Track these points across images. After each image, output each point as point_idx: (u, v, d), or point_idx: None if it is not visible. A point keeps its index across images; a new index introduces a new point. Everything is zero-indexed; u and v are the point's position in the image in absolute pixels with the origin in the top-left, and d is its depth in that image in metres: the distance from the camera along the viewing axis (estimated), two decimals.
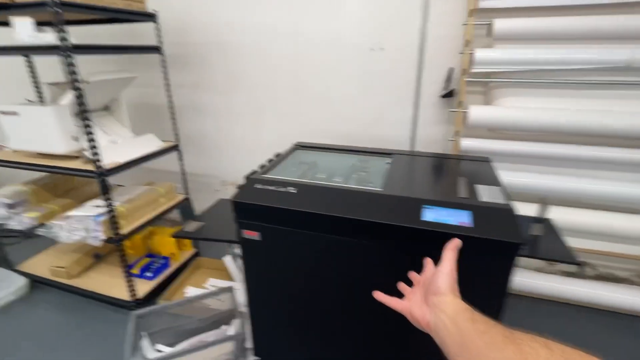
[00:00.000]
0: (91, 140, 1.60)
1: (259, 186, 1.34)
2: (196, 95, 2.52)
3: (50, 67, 2.65)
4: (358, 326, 1.36)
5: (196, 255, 2.49)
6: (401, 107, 2.14)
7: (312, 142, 1.95)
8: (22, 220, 1.94)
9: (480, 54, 1.73)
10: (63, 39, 1.41)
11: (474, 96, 1.99)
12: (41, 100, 2.45)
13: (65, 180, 2.27)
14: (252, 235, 1.34)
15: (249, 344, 1.65)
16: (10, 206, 1.95)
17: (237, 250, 2.18)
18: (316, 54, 2.17)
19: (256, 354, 1.67)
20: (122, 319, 2.02)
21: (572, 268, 2.19)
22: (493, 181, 1.35)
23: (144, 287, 2.07)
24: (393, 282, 1.18)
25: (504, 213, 1.10)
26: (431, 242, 1.08)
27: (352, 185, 1.33)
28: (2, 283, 2.23)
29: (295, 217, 1.23)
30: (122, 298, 2.00)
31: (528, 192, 1.86)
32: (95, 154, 1.62)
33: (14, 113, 1.75)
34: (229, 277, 2.28)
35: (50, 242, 2.69)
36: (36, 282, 2.27)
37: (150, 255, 2.33)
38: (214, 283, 2.26)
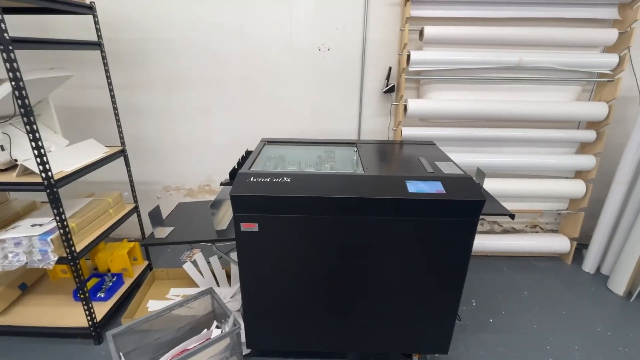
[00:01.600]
0: (39, 147, 1.39)
1: (252, 179, 1.39)
2: (132, 95, 2.33)
3: None
4: (352, 309, 1.52)
5: (149, 267, 2.31)
6: (348, 103, 2.36)
7: (250, 140, 2.01)
8: None
9: (415, 55, 2.05)
10: (1, 30, 1.22)
11: (409, 91, 2.33)
12: None
13: None
14: (251, 227, 1.38)
15: (243, 338, 1.66)
16: None
17: (196, 256, 2.13)
18: (266, 53, 2.24)
19: (249, 347, 1.70)
20: (77, 349, 1.79)
21: (485, 228, 2.74)
22: (446, 158, 1.66)
23: (99, 310, 1.86)
24: (386, 250, 1.39)
25: (466, 181, 1.39)
26: (417, 209, 1.31)
27: (340, 171, 1.48)
28: None
29: (296, 204, 1.33)
30: (77, 326, 1.77)
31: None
32: (44, 162, 1.42)
33: None
34: (191, 285, 2.20)
35: None
36: None
37: (97, 275, 2.08)
38: (176, 292, 2.16)
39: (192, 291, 2.15)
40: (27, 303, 1.95)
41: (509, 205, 2.48)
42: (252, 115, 2.40)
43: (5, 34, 1.23)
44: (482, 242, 2.51)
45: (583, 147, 2.36)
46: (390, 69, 2.23)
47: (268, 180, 1.39)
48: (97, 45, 1.78)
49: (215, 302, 1.79)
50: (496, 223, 2.73)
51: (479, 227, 2.74)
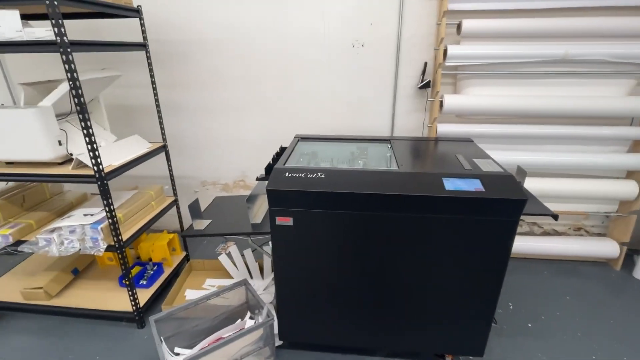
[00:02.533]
0: (92, 142, 1.50)
1: (287, 174, 1.42)
2: (174, 93, 2.44)
3: None
4: (385, 307, 1.51)
5: (187, 258, 2.42)
6: (381, 99, 2.34)
7: (283, 136, 2.04)
8: None
9: (453, 49, 2.00)
10: (61, 35, 1.32)
11: (445, 87, 2.27)
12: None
13: (36, 192, 2.04)
14: (285, 221, 1.41)
15: (275, 329, 1.70)
16: None
17: (231, 248, 2.20)
18: (300, 50, 2.27)
19: (281, 339, 1.74)
20: (122, 332, 1.91)
21: (524, 229, 2.62)
22: (484, 156, 1.60)
23: (142, 296, 1.98)
24: (420, 248, 1.37)
25: (506, 179, 1.34)
26: (455, 207, 1.29)
27: (375, 167, 1.47)
28: None
29: (330, 199, 1.34)
30: (122, 310, 1.89)
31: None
32: (97, 156, 1.53)
33: None
34: (225, 276, 2.28)
35: (3, 265, 2.39)
36: (2, 310, 2.01)
37: (139, 264, 2.21)
38: (212, 282, 2.24)
39: (226, 282, 2.23)
40: (78, 287, 2.11)
41: (551, 206, 2.36)
42: (285, 112, 2.44)
43: (65, 38, 1.33)
44: (521, 244, 2.40)
45: (636, 145, 2.19)
46: (425, 64, 2.19)
47: (302, 175, 1.41)
48: (143, 46, 1.88)
49: (250, 293, 1.85)
50: (536, 224, 2.60)
51: (517, 228, 2.62)
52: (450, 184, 1.32)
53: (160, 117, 2.06)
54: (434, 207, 1.30)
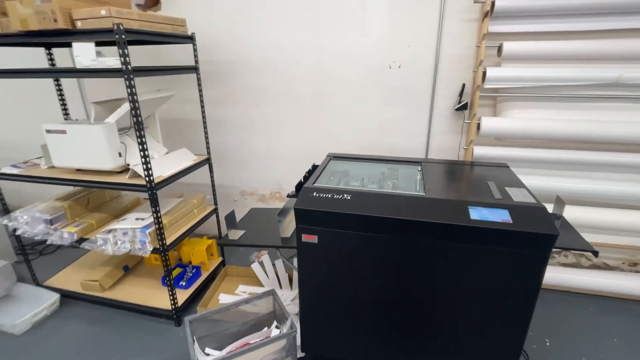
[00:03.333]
0: (145, 156, 1.69)
1: (315, 194, 1.49)
2: (220, 109, 2.64)
3: (69, 85, 2.71)
4: (406, 331, 1.52)
5: (223, 263, 2.57)
6: (416, 119, 2.35)
7: (343, 152, 2.11)
8: (62, 236, 1.98)
9: (492, 71, 1.96)
10: (126, 63, 1.52)
11: (483, 109, 2.23)
12: (83, 118, 2.50)
13: (98, 196, 2.31)
14: (311, 239, 1.48)
15: (298, 341, 1.77)
16: (50, 222, 1.99)
17: (263, 257, 2.31)
18: (338, 70, 2.36)
19: (304, 351, 1.80)
20: (160, 327, 2.08)
21: (570, 260, 2.45)
22: (518, 184, 1.56)
23: (180, 296, 2.15)
24: (444, 276, 1.37)
25: (537, 211, 1.30)
26: (479, 237, 1.27)
27: (398, 191, 1.50)
28: (34, 300, 2.23)
29: (353, 221, 1.39)
30: (162, 307, 2.07)
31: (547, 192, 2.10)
32: (148, 168, 1.72)
33: (62, 131, 1.82)
34: (257, 283, 2.39)
35: (68, 257, 2.70)
36: (66, 297, 2.28)
37: (180, 266, 2.40)
38: (245, 289, 2.36)
39: (257, 290, 2.34)
40: (127, 282, 2.34)
41: (601, 238, 2.19)
42: (321, 129, 2.53)
43: (129, 66, 1.53)
44: (566, 276, 2.25)
45: None
46: (463, 85, 2.16)
47: (329, 196, 1.47)
48: (195, 69, 2.08)
49: (277, 303, 1.94)
50: (584, 256, 2.42)
51: (563, 259, 2.46)
52: (476, 213, 1.31)
53: (206, 133, 2.25)
54: (458, 236, 1.29)
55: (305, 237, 1.49)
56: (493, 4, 1.88)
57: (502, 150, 2.10)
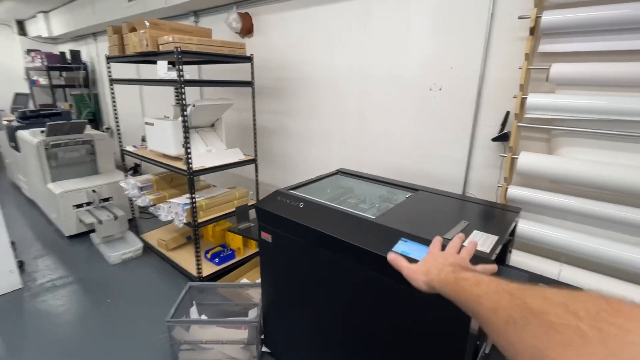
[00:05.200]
0: (188, 148, 2.17)
1: (279, 198, 1.62)
2: (281, 119, 3.00)
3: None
4: (347, 339, 1.45)
5: (257, 254, 2.89)
6: (455, 147, 2.11)
7: (354, 169, 2.13)
8: (145, 200, 2.69)
9: (533, 99, 1.63)
10: (180, 76, 2.02)
11: (535, 143, 1.84)
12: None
13: (179, 177, 3.01)
14: (267, 237, 1.61)
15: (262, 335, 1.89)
16: (141, 189, 2.73)
17: None
18: (380, 90, 2.36)
19: (267, 346, 1.91)
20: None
21: None
22: (498, 231, 1.28)
23: (209, 269, 2.56)
24: (367, 300, 1.29)
25: (477, 259, 1.08)
26: (394, 272, 1.15)
27: (352, 211, 1.47)
28: (128, 244, 3.08)
29: (296, 228, 1.45)
30: (192, 273, 2.52)
31: (567, 251, 1.61)
32: (189, 158, 2.19)
33: (152, 124, 2.50)
34: None
35: (162, 223, 3.52)
36: (147, 248, 3.04)
37: (223, 246, 2.85)
38: None
39: None
40: (185, 249, 2.93)
41: None
42: (360, 146, 2.56)
43: (182, 78, 2.03)
44: None
45: None
46: (507, 113, 1.85)
47: (288, 202, 1.57)
48: (250, 84, 2.48)
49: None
50: None
51: None
52: (404, 247, 1.19)
53: (255, 137, 2.63)
54: (372, 264, 1.20)
55: (263, 235, 1.63)
56: (538, 18, 1.57)
57: (545, 195, 1.69)
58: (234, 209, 2.58)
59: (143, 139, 5.06)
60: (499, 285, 0.46)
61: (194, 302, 2.15)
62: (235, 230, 2.14)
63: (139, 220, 3.56)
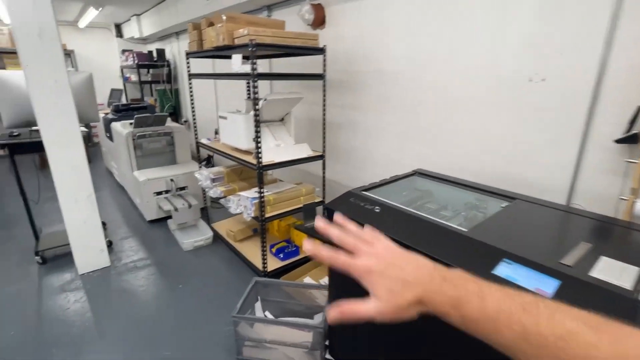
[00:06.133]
0: (258, 142, 2.15)
1: (352, 199, 1.49)
2: (350, 114, 2.86)
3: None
4: (432, 353, 1.29)
5: None
6: (560, 148, 1.78)
7: (433, 171, 1.91)
8: (216, 191, 2.77)
9: None
10: (253, 69, 1.99)
11: None
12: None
13: (248, 170, 3.05)
14: None
15: (327, 341, 1.80)
16: (213, 180, 2.81)
17: None
18: (464, 82, 2.10)
19: (331, 354, 1.81)
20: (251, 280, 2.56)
21: None
22: (637, 260, 1.00)
23: (273, 264, 2.55)
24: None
25: (615, 297, 0.84)
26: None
27: (439, 220, 1.28)
28: (200, 232, 3.23)
29: None
30: (257, 266, 2.54)
31: None
32: (259, 152, 2.17)
33: (225, 117, 2.55)
34: None
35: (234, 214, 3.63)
36: (216, 237, 3.15)
37: (287, 241, 2.83)
38: (327, 281, 2.52)
39: None
40: (251, 241, 2.97)
41: None
42: (437, 145, 2.32)
43: (255, 71, 2.00)
44: None
45: None
46: (639, 108, 1.48)
47: (362, 204, 1.44)
48: (321, 77, 2.38)
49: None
50: None
51: None
52: (507, 270, 0.98)
53: (324, 132, 2.53)
54: None
55: None
56: None
57: None
58: (300, 206, 2.53)
59: (216, 132, 5.34)
60: (528, 335, 0.35)
61: (258, 297, 2.15)
62: (302, 228, 2.08)
63: (210, 209, 3.72)
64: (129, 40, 7.22)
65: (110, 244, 3.03)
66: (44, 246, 2.83)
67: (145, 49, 7.22)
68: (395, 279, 0.44)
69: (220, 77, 2.61)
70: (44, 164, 3.67)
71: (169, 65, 6.31)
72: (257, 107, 2.09)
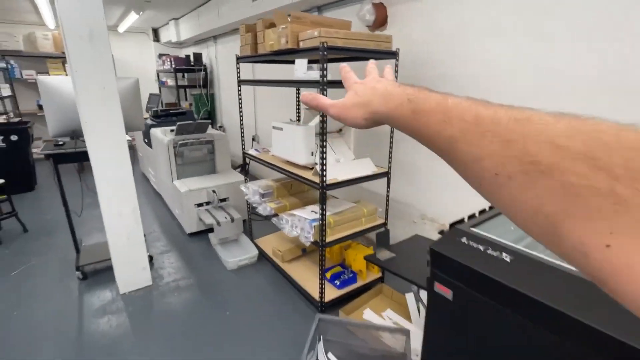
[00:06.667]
0: (323, 159, 1.89)
1: (464, 240, 1.19)
2: None
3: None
4: None
5: (381, 279, 2.52)
6: None
7: None
8: (266, 208, 2.53)
9: None
10: (323, 76, 1.74)
11: None
12: (298, 120, 3.14)
13: (299, 184, 2.80)
14: (444, 291, 1.20)
15: None
16: (262, 195, 2.58)
17: (422, 294, 2.06)
18: (572, 95, 1.75)
19: None
20: (306, 311, 2.29)
21: None
22: None
23: (330, 293, 2.28)
24: None
25: None
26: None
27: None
28: (243, 248, 3.00)
29: (505, 294, 1.01)
30: (312, 295, 2.27)
31: None
32: (323, 170, 1.91)
33: (280, 128, 2.31)
34: (407, 315, 2.19)
35: (275, 227, 3.40)
36: (261, 255, 2.92)
37: (342, 265, 2.55)
38: (391, 315, 2.22)
39: (404, 322, 2.15)
40: (301, 262, 2.71)
41: None
42: None
43: (325, 78, 1.74)
44: None
45: None
46: None
47: (482, 248, 1.14)
48: None
49: (409, 346, 1.72)
50: None
51: None
52: None
53: (390, 147, 2.24)
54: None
55: (438, 287, 1.22)
56: None
57: None
58: (362, 229, 2.25)
59: (253, 139, 5.17)
60: (480, 121, 0.30)
61: (320, 336, 1.87)
62: (376, 261, 1.79)
63: (251, 222, 3.50)
64: (166, 44, 7.22)
65: (150, 259, 2.85)
66: (85, 261, 2.68)
67: (180, 53, 7.19)
68: (365, 86, 0.47)
69: (278, 84, 2.38)
70: (82, 169, 3.58)
71: (205, 70, 6.21)
72: (323, 118, 1.83)
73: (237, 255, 2.86)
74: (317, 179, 2.01)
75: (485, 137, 0.29)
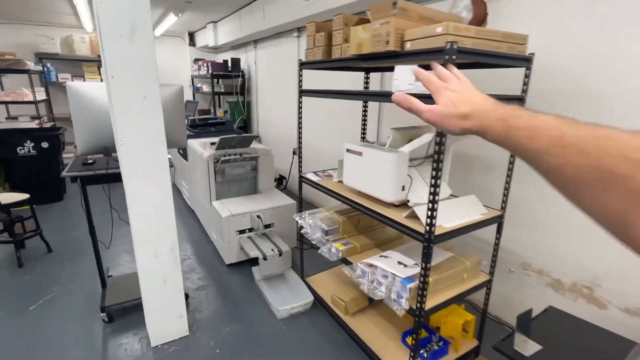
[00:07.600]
0: (435, 200, 1.37)
1: None
2: None
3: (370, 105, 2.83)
4: None
5: (476, 352, 1.96)
6: None
7: None
8: (330, 249, 2.03)
9: None
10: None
11: None
12: (363, 138, 2.64)
13: (368, 218, 2.29)
14: None
15: None
16: (326, 232, 2.09)
17: None
18: None
19: None
20: None
21: None
22: None
23: None
24: None
25: None
26: None
27: None
28: (293, 289, 2.51)
29: None
30: None
31: None
32: (433, 215, 1.39)
33: (359, 153, 1.81)
34: None
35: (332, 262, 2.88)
36: (316, 300, 2.41)
37: (427, 329, 2.00)
38: None
39: None
40: (369, 315, 2.19)
41: None
42: None
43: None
44: None
45: None
46: None
47: None
48: (519, 100, 1.57)
49: None
50: None
51: None
52: None
53: (507, 181, 1.70)
54: None
55: None
56: None
57: None
58: (466, 289, 1.70)
59: (294, 152, 4.71)
60: (563, 136, 0.36)
61: None
62: (502, 347, 1.25)
63: (302, 256, 3.01)
64: (201, 49, 6.94)
65: (187, 297, 2.40)
66: (112, 300, 2.27)
67: (216, 58, 6.89)
68: (460, 96, 0.50)
69: (348, 96, 1.89)
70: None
71: (242, 76, 5.85)
72: (443, 145, 1.32)
73: (289, 300, 2.37)
74: (417, 227, 1.49)
75: (567, 149, 0.35)
